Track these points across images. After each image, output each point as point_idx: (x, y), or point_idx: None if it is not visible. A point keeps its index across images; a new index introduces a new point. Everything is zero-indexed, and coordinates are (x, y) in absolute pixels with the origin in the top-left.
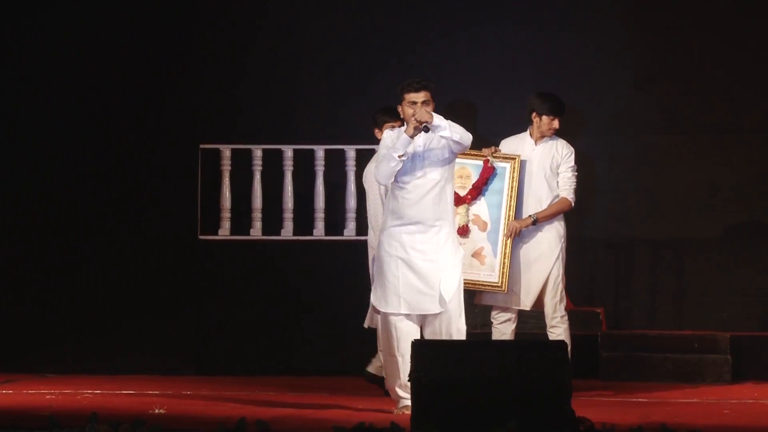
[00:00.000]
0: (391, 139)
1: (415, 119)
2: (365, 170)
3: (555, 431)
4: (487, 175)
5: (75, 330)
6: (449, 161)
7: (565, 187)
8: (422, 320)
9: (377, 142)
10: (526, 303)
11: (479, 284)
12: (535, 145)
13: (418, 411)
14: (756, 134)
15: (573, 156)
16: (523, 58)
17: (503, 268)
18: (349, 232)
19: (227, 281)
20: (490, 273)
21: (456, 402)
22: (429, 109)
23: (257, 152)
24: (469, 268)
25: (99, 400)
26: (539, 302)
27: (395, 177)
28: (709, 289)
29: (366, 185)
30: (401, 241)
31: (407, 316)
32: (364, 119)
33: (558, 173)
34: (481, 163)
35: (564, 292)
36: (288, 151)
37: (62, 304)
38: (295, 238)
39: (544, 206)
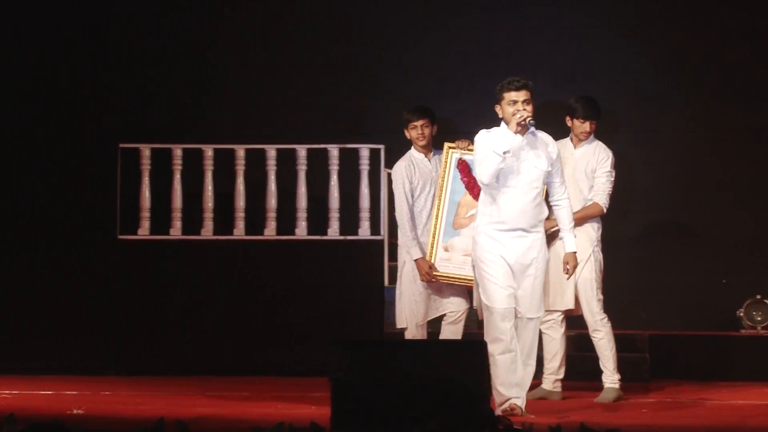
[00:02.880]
0: (489, 138)
1: (519, 116)
2: (393, 169)
3: (474, 430)
4: None
5: None
6: (546, 169)
7: (598, 192)
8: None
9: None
10: (568, 303)
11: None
12: (575, 148)
13: (338, 410)
14: (672, 133)
15: (610, 160)
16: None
17: None
18: (270, 231)
19: (147, 281)
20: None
21: (376, 401)
22: (529, 108)
23: (177, 152)
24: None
25: (16, 401)
26: (578, 305)
27: (498, 180)
28: (628, 289)
29: (393, 185)
30: (502, 241)
31: (512, 312)
32: (285, 119)
33: (594, 177)
34: None
35: (600, 295)
36: (208, 151)
37: None
38: (216, 237)
39: (574, 209)
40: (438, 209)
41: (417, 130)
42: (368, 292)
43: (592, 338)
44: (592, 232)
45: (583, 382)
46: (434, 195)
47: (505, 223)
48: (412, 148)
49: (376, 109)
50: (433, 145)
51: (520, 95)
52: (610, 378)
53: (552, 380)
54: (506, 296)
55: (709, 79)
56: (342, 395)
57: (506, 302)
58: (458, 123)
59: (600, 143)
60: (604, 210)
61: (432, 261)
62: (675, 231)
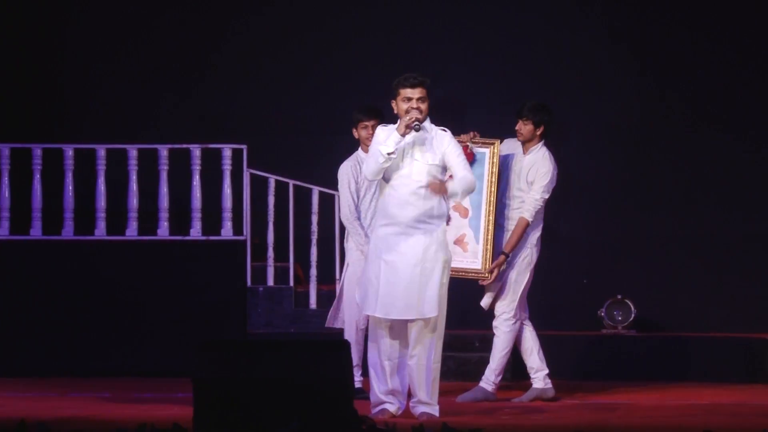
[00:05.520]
0: (384, 135)
1: (408, 118)
2: (341, 167)
3: (338, 430)
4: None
5: None
6: (440, 165)
7: (528, 207)
8: (405, 325)
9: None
10: (485, 303)
11: (462, 271)
12: (524, 154)
13: (200, 411)
14: None
15: (549, 176)
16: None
17: (486, 254)
18: (131, 232)
19: (6, 282)
20: (473, 260)
21: (239, 402)
22: (424, 106)
23: (37, 151)
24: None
25: None
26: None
27: (384, 175)
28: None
29: (339, 186)
30: (387, 242)
31: (388, 320)
32: (147, 118)
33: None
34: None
35: (520, 297)
36: (69, 151)
37: None
38: (76, 238)
39: (512, 215)
40: None
41: (368, 130)
42: (231, 293)
43: (494, 333)
44: (531, 237)
45: (448, 382)
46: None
47: (388, 218)
48: (359, 148)
49: (239, 109)
50: None
51: (415, 92)
52: (488, 378)
53: (541, 377)
54: (383, 303)
55: (568, 79)
56: (204, 396)
57: (381, 309)
58: (324, 123)
59: (546, 154)
60: (530, 221)
61: None
62: None
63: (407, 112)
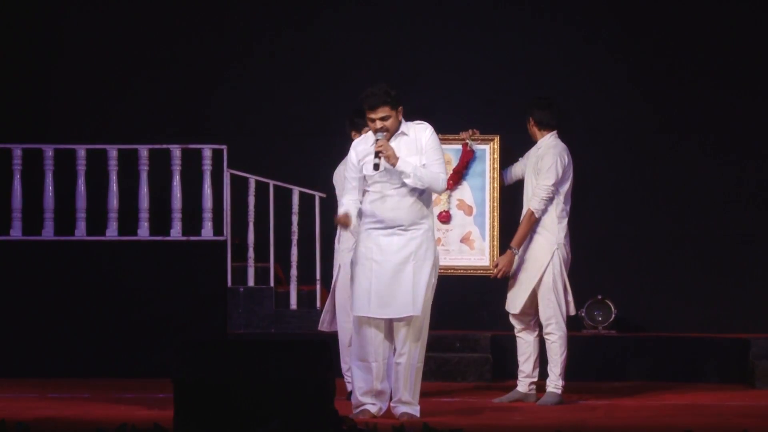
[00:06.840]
0: (363, 147)
1: (375, 149)
2: (335, 172)
3: (318, 430)
4: (467, 158)
5: None
6: (415, 164)
7: (534, 197)
8: (391, 325)
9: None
10: (516, 306)
11: (471, 269)
12: (538, 150)
13: (181, 411)
14: (515, 135)
15: (552, 160)
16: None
17: (494, 251)
18: (112, 232)
19: None
20: (480, 257)
21: (219, 402)
22: (388, 124)
23: (17, 152)
24: (458, 253)
25: None
26: (534, 307)
27: (369, 184)
28: (470, 288)
29: (336, 187)
30: (378, 242)
31: (378, 320)
32: (127, 118)
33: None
34: (459, 147)
35: (563, 299)
36: (49, 151)
37: None
38: (57, 238)
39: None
40: None
41: None
42: (212, 293)
43: (546, 340)
44: (551, 236)
45: (428, 383)
46: None
47: (378, 221)
48: None
49: (219, 109)
50: None
51: (377, 113)
52: (554, 383)
53: (527, 383)
54: (369, 304)
55: (551, 81)
56: (185, 396)
57: (367, 309)
58: (305, 124)
59: (554, 143)
60: (536, 215)
61: None
62: (514, 230)
63: (375, 132)
